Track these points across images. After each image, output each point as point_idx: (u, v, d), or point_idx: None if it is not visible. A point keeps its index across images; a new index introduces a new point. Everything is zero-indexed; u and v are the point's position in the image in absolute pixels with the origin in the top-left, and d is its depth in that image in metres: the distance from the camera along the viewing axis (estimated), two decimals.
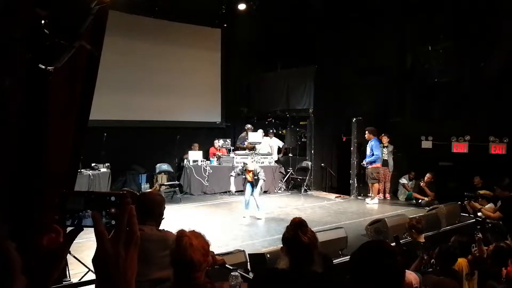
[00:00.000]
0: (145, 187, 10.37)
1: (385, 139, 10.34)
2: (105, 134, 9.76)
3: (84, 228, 0.87)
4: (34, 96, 2.14)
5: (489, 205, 7.74)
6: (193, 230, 2.12)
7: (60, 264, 0.88)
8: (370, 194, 10.23)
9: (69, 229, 0.87)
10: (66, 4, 1.81)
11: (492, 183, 8.18)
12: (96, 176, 8.94)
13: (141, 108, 11.29)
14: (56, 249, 0.86)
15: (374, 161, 10.01)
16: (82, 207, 0.86)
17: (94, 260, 0.81)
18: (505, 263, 3.99)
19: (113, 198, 0.85)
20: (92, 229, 0.84)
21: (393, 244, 4.29)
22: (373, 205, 9.74)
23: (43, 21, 1.67)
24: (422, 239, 4.83)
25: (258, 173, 7.99)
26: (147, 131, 11.26)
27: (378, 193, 10.15)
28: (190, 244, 2.00)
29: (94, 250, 0.81)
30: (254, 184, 8.05)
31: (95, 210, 0.84)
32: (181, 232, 2.07)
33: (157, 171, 10.40)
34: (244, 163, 8.31)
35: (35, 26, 1.66)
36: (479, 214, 7.64)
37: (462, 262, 3.99)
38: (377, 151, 9.96)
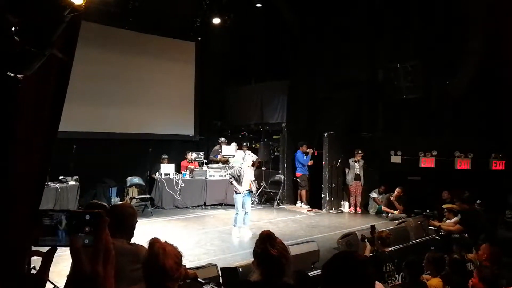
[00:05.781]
0: (116, 201, 10.12)
1: (358, 156, 10.58)
2: (75, 146, 9.51)
3: (58, 248, 0.85)
4: (1, 104, 2.08)
5: (456, 218, 7.93)
6: (166, 241, 2.08)
7: (44, 287, 0.86)
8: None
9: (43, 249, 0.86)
10: (38, 12, 1.78)
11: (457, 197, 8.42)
12: (64, 189, 8.68)
13: (113, 120, 11.10)
14: (36, 273, 0.85)
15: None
16: (57, 226, 0.85)
17: (70, 279, 0.80)
18: (466, 274, 4.08)
19: (87, 217, 0.85)
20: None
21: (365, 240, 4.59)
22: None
23: (13, 28, 1.64)
24: (387, 249, 4.91)
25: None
26: (118, 143, 11.04)
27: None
28: (163, 249, 1.95)
29: (69, 266, 0.80)
30: (248, 193, 7.84)
31: (70, 229, 0.84)
32: (154, 239, 2.02)
33: (128, 184, 10.19)
34: (243, 157, 7.82)
35: (5, 33, 1.62)
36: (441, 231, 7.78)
37: (437, 283, 3.93)
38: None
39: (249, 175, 7.81)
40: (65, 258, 0.81)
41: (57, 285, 4.10)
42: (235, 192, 7.80)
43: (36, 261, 0.87)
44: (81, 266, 0.79)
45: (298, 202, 11.18)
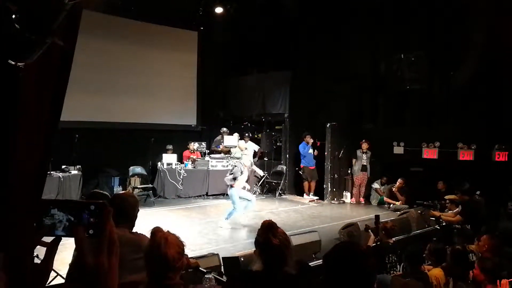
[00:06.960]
0: (118, 190, 10.15)
1: (364, 146, 10.54)
2: (77, 135, 9.53)
3: (62, 238, 0.85)
4: (2, 93, 2.07)
5: (457, 209, 7.95)
6: (168, 231, 2.08)
7: (47, 277, 0.86)
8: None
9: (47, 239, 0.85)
10: None
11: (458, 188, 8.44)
12: (66, 178, 8.72)
13: (115, 110, 11.10)
14: (40, 263, 0.84)
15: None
16: (60, 217, 0.84)
17: (73, 268, 0.80)
18: (468, 265, 4.08)
19: (92, 207, 0.83)
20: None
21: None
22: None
23: (13, 16, 1.63)
24: (391, 240, 4.93)
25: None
26: (121, 133, 11.05)
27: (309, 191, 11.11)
28: (164, 239, 1.95)
29: (72, 255, 0.80)
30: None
31: (73, 220, 0.83)
32: (156, 229, 2.02)
33: (130, 173, 10.21)
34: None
35: (5, 21, 1.60)
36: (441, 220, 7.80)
37: (438, 273, 3.93)
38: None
39: (245, 175, 7.79)
40: (68, 247, 0.81)
41: (60, 273, 4.14)
42: (231, 186, 7.59)
43: (39, 249, 0.87)
44: (85, 257, 0.79)
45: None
